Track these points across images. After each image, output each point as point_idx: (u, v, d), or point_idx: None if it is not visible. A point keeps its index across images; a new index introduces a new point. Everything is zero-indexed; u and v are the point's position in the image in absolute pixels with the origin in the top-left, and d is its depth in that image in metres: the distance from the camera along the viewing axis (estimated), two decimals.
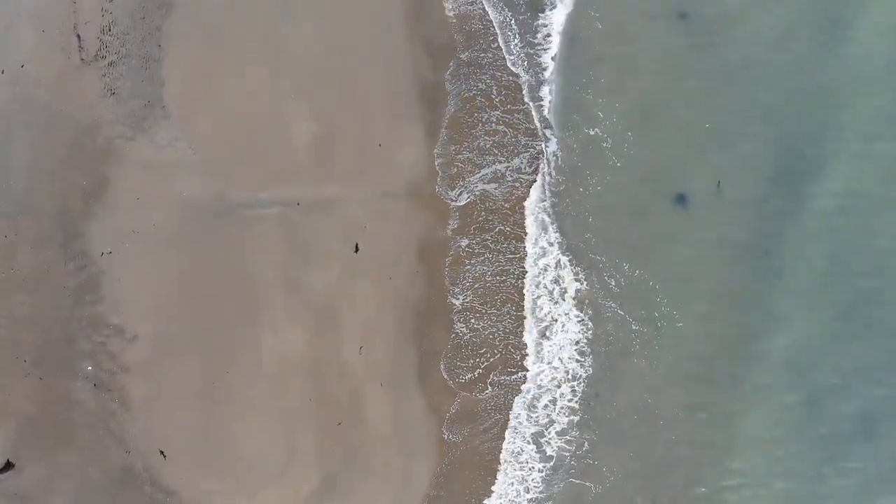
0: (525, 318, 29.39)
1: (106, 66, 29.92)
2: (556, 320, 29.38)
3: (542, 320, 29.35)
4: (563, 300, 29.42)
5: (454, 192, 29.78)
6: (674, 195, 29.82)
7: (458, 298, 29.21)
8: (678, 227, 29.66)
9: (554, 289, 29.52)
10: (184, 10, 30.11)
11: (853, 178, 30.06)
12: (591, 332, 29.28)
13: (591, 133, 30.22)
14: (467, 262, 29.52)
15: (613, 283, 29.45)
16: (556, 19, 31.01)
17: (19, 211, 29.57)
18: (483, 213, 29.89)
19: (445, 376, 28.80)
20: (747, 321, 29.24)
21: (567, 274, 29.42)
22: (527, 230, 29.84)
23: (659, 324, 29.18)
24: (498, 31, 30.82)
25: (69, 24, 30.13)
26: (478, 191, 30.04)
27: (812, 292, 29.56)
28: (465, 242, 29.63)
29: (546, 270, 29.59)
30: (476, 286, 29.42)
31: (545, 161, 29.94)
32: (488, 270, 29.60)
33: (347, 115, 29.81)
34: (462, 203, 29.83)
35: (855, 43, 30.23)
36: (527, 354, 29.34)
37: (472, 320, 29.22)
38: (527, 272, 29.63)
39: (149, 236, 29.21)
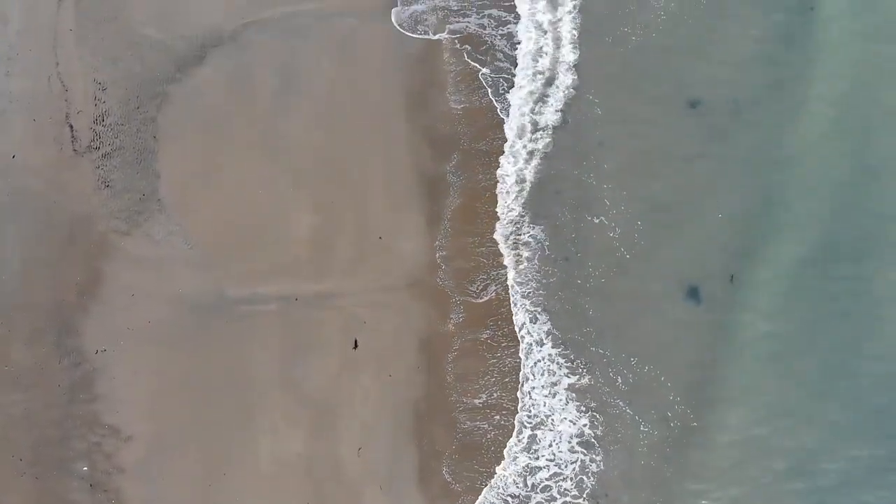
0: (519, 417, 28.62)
1: (99, 157, 29.39)
2: (550, 418, 28.52)
3: (534, 417, 28.59)
4: (559, 396, 28.61)
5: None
6: (686, 288, 28.91)
7: (461, 396, 28.48)
8: (690, 322, 28.82)
9: (548, 384, 28.70)
10: (179, 101, 29.53)
11: (870, 263, 29.60)
12: (595, 429, 28.45)
13: (596, 221, 29.37)
14: (470, 357, 28.76)
15: (620, 380, 28.65)
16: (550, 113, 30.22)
17: (13, 306, 28.98)
18: (488, 307, 29.11)
19: (449, 479, 28.10)
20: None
21: (561, 368, 28.61)
22: (517, 324, 29.00)
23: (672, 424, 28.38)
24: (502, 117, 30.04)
25: (61, 114, 29.57)
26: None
27: (826, 387, 28.59)
28: (467, 337, 28.89)
29: (539, 363, 28.78)
30: (480, 383, 28.69)
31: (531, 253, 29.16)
32: (491, 366, 28.88)
33: (347, 207, 29.23)
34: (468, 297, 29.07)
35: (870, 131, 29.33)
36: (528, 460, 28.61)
37: (477, 420, 28.50)
38: (522, 368, 28.86)
39: (144, 333, 28.64)
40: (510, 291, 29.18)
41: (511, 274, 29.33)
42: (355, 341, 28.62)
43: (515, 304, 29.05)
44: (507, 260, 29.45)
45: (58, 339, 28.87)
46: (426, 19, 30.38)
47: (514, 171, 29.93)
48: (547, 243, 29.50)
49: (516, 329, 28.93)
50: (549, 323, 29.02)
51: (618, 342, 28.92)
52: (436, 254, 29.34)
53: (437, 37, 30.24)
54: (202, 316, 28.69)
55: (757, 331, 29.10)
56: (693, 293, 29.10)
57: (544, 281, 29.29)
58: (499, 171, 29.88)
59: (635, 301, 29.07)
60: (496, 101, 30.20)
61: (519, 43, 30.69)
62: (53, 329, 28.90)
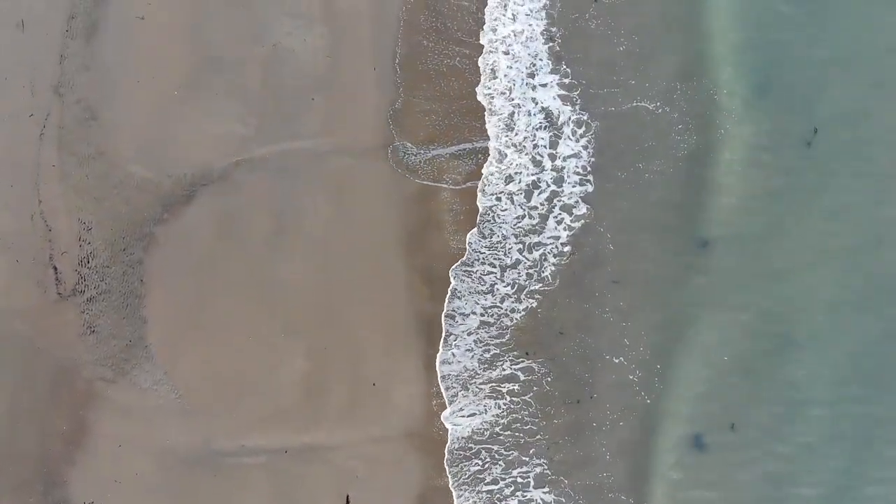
0: None
1: (85, 301, 28.49)
2: None
3: None
4: None
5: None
6: (691, 437, 28.46)
7: None
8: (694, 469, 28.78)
9: None
10: (167, 243, 28.70)
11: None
12: None
13: (616, 361, 28.70)
14: None
15: None
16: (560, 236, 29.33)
17: None
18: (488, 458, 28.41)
19: None
20: None
21: None
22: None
23: None
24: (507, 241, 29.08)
25: (45, 255, 28.74)
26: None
27: None
28: (465, 494, 28.18)
29: None
30: None
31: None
32: None
33: (340, 353, 28.63)
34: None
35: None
36: None
37: None
38: None
39: (131, 486, 28.07)
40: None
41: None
42: (347, 498, 27.90)
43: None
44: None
45: (45, 490, 28.29)
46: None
47: (522, 309, 29.08)
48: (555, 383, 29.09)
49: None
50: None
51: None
52: (433, 401, 28.60)
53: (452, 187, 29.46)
54: (190, 469, 28.07)
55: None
56: (698, 441, 28.61)
57: (554, 422, 28.76)
58: (505, 304, 29.04)
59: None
60: (501, 234, 29.33)
61: (521, 175, 29.67)
62: (40, 480, 28.26)
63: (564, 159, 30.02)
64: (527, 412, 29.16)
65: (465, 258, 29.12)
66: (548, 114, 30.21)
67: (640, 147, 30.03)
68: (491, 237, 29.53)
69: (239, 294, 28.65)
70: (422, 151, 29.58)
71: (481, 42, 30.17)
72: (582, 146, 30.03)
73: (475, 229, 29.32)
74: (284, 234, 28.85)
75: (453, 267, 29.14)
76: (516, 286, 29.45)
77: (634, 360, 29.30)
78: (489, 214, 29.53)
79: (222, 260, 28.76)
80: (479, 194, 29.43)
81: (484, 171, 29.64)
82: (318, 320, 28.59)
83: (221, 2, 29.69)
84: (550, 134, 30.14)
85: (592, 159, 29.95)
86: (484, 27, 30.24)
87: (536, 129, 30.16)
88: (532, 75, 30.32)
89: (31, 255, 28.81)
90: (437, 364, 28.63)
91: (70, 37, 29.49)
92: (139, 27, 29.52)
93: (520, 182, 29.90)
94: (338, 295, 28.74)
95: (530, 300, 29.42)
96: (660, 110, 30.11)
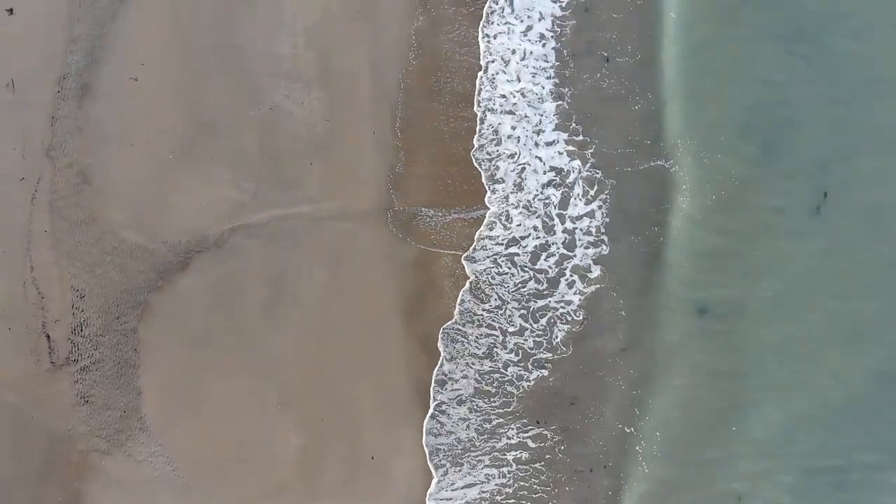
0: None
1: (78, 370, 28.07)
2: None
3: None
4: None
5: None
6: None
7: None
8: None
9: None
10: (161, 311, 28.34)
11: None
12: None
13: (627, 431, 28.77)
14: None
15: None
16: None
17: None
18: None
19: None
20: None
21: None
22: None
23: None
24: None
25: (38, 324, 28.16)
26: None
27: None
28: None
29: None
30: None
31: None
32: None
33: (337, 425, 28.41)
34: None
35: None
36: None
37: None
38: None
39: None
40: None
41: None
42: None
43: None
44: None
45: None
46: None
47: (534, 377, 28.63)
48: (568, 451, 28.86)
49: None
50: None
51: None
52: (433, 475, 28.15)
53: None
54: None
55: None
56: None
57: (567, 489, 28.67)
58: (509, 370, 28.65)
59: None
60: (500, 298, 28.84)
61: (526, 236, 29.14)
62: None
63: (575, 220, 29.52)
64: (537, 480, 28.64)
65: (455, 318, 28.55)
66: (557, 172, 29.67)
67: (653, 207, 29.67)
68: (489, 301, 28.99)
69: (235, 364, 28.22)
70: (422, 216, 28.98)
71: (480, 103, 29.56)
72: (596, 206, 29.51)
73: (467, 285, 28.67)
74: (281, 303, 28.34)
75: (444, 326, 28.56)
76: (521, 352, 28.92)
77: (643, 429, 29.03)
78: (486, 276, 28.98)
79: (218, 329, 28.30)
80: (474, 257, 28.91)
81: (481, 233, 29.07)
82: (314, 391, 28.19)
83: (217, 64, 29.05)
84: (560, 192, 29.59)
85: (607, 220, 29.45)
86: (485, 87, 29.62)
87: (545, 187, 29.62)
88: (539, 132, 29.75)
89: (24, 323, 28.31)
90: (423, 437, 28.09)
91: (62, 98, 28.83)
92: (133, 89, 28.87)
93: (525, 245, 29.33)
94: (334, 364, 28.32)
95: (540, 369, 28.95)
96: (673, 168, 29.58)
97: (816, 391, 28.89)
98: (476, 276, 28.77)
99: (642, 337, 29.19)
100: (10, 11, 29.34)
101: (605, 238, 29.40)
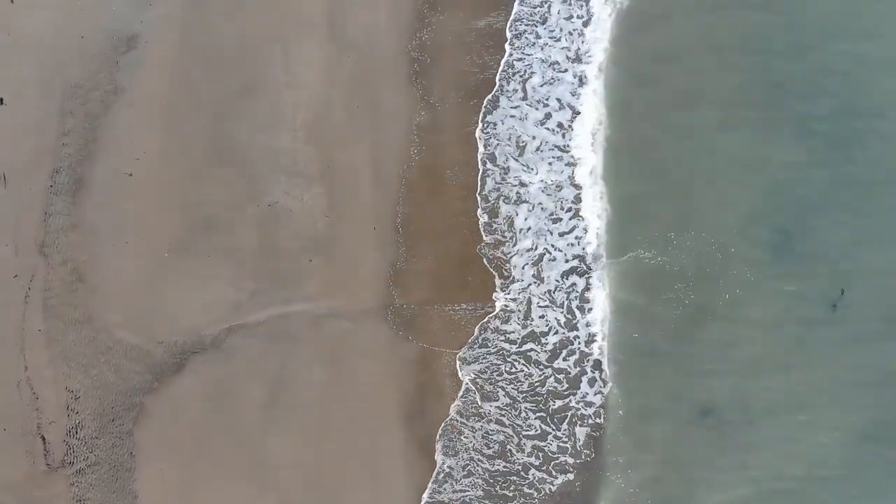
0: None
1: (74, 473, 27.81)
2: None
3: None
4: None
5: None
6: None
7: None
8: None
9: None
10: (157, 414, 28.31)
11: None
12: None
13: None
14: None
15: None
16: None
17: None
18: None
19: None
20: None
21: None
22: None
23: None
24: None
25: (33, 425, 27.67)
26: None
27: None
28: None
29: None
30: None
31: None
32: None
33: None
34: None
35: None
36: None
37: None
38: None
39: None
40: None
41: None
42: None
43: None
44: None
45: None
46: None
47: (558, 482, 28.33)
48: None
49: None
50: None
51: None
52: None
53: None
54: None
55: None
56: None
57: None
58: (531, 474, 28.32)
59: None
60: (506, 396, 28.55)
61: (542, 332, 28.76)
62: None
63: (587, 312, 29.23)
64: None
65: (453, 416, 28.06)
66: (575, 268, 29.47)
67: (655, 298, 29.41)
68: (497, 399, 28.55)
69: (232, 468, 27.88)
70: (423, 313, 28.51)
71: (487, 196, 29.05)
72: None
73: (465, 385, 28.20)
74: (279, 405, 27.99)
75: (445, 420, 28.16)
76: (543, 456, 28.38)
77: None
78: (491, 374, 28.57)
79: (215, 432, 27.98)
80: (474, 355, 28.48)
81: (486, 328, 28.62)
82: (311, 499, 27.72)
83: (215, 159, 28.54)
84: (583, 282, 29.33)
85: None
86: (491, 177, 29.12)
87: (564, 277, 29.34)
88: (556, 220, 29.51)
89: (19, 424, 27.93)
90: None
91: (55, 193, 28.30)
92: (127, 184, 28.40)
93: (542, 341, 28.92)
94: (333, 470, 28.02)
95: (565, 474, 28.30)
96: (676, 267, 29.30)
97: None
98: (475, 376, 28.41)
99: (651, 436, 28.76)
100: (1, 101, 28.67)
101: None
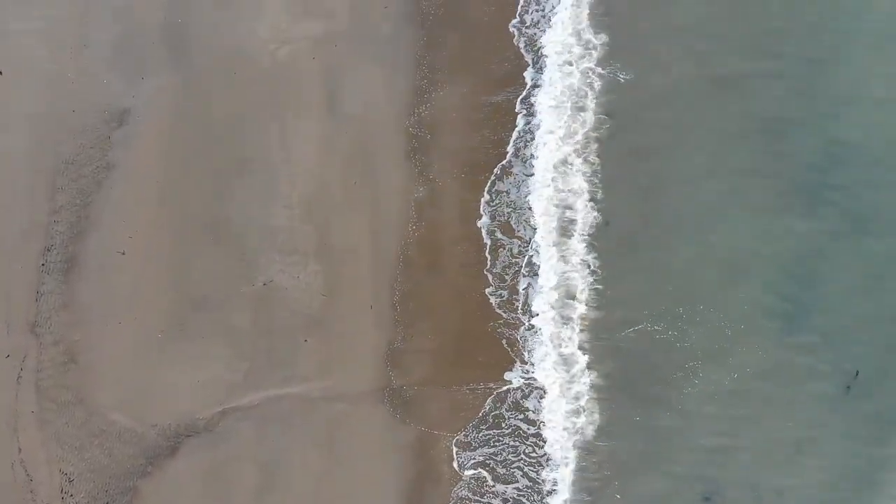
0: None
1: None
2: None
3: None
4: None
5: None
6: None
7: None
8: None
9: None
10: (151, 498, 27.88)
11: None
12: None
13: None
14: None
15: None
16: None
17: None
18: None
19: None
20: None
21: None
22: None
23: None
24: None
25: None
26: None
27: None
28: None
29: None
30: None
31: None
32: None
33: None
34: None
35: None
36: None
37: None
38: None
39: None
40: None
41: None
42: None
43: None
44: None
45: None
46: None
47: None
48: None
49: None
50: None
51: None
52: None
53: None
54: None
55: None
56: None
57: None
58: None
59: None
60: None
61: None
62: None
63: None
64: None
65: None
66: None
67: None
68: (499, 484, 27.94)
69: None
70: (420, 394, 27.89)
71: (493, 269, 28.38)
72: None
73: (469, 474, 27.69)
74: (273, 490, 27.54)
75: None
76: None
77: None
78: (490, 459, 27.97)
79: None
80: (477, 439, 27.84)
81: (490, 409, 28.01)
82: None
83: (209, 237, 28.01)
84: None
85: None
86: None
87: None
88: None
89: None
90: None
91: (46, 271, 27.91)
92: (120, 263, 27.96)
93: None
94: None
95: None
96: (678, 344, 28.36)
97: None
98: (474, 460, 27.78)
99: None
100: None
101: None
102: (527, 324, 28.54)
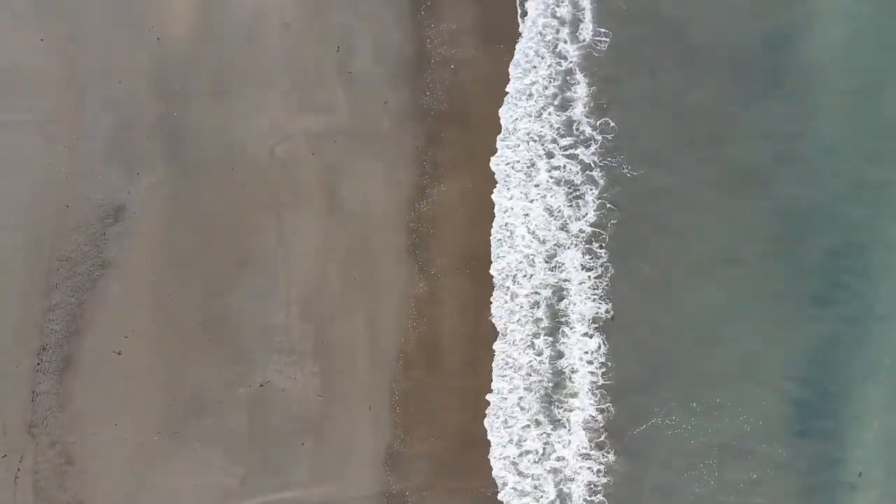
0: None
1: None
2: None
3: None
4: None
5: None
6: None
7: None
8: None
9: None
10: None
11: None
12: None
13: None
14: None
15: None
16: None
17: None
18: None
19: None
20: None
21: None
22: None
23: None
24: None
25: None
26: None
27: None
28: None
29: None
30: None
31: None
32: None
33: None
34: None
35: None
36: None
37: None
38: None
39: None
40: None
41: None
42: None
43: None
44: None
45: None
46: None
47: None
48: None
49: None
50: None
51: None
52: None
53: None
54: None
55: None
56: None
57: None
58: None
59: None
60: None
61: None
62: None
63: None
64: None
65: None
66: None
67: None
68: None
69: None
70: (420, 501, 27.66)
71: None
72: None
73: None
74: None
75: None
76: None
77: None
78: None
79: None
80: None
81: None
82: None
83: (206, 337, 27.92)
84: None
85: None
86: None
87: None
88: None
89: None
90: None
91: (42, 371, 27.60)
92: (116, 363, 27.59)
93: None
94: None
95: None
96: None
97: None
98: None
99: None
100: None
101: None
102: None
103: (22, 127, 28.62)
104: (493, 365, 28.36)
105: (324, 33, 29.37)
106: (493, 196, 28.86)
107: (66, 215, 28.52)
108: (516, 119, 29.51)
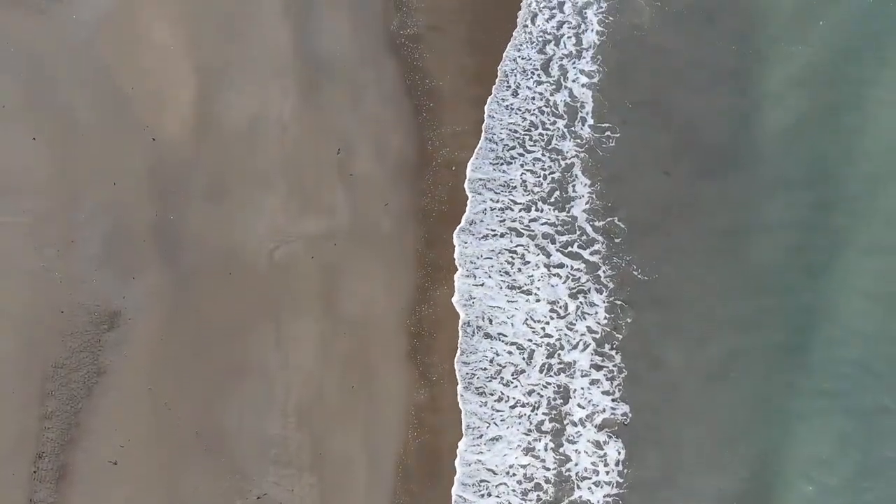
0: None
1: None
2: None
3: None
4: None
5: None
6: None
7: None
8: None
9: None
10: None
11: None
12: None
13: None
14: None
15: None
16: None
17: None
18: None
19: None
20: None
21: None
22: None
23: None
24: None
25: None
26: None
27: None
28: None
29: None
30: None
31: None
32: None
33: None
34: None
35: None
36: None
37: None
38: None
39: None
40: None
41: None
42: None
43: None
44: None
45: None
46: None
47: None
48: None
49: None
50: None
51: None
52: None
53: None
54: None
55: None
56: None
57: None
58: None
59: None
60: None
61: None
62: None
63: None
64: None
65: None
66: None
67: None
68: None
69: None
70: None
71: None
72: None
73: None
74: None
75: None
76: None
77: None
78: None
79: None
80: None
81: None
82: None
83: (203, 447, 27.48)
84: None
85: None
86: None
87: None
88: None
89: None
90: None
91: (38, 479, 27.16)
92: (112, 473, 27.07)
93: None
94: None
95: None
96: None
97: None
98: None
99: None
100: None
101: None
102: None
103: (13, 229, 28.30)
104: None
105: (324, 136, 28.91)
106: None
107: (61, 321, 28.07)
108: None
